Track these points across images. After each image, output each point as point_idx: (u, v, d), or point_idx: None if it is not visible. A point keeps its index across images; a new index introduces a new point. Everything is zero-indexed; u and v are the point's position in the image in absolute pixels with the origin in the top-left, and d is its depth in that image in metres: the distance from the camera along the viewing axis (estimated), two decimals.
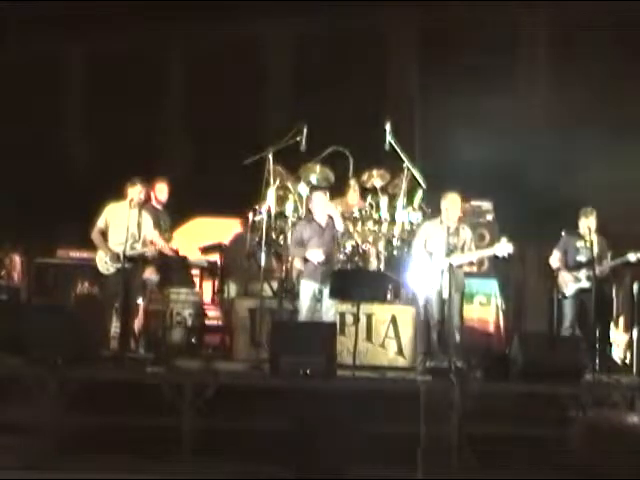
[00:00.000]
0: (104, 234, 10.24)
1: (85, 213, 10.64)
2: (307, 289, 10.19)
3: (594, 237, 10.46)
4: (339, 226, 10.35)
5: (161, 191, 11.26)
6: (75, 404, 8.89)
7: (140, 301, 10.86)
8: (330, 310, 10.14)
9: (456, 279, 10.09)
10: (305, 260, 10.27)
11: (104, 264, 10.20)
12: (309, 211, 10.74)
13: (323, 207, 10.36)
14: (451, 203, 10.30)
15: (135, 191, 10.18)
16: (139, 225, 10.23)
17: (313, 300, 10.14)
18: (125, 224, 10.09)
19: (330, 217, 10.38)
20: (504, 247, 10.07)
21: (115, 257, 10.10)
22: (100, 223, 10.25)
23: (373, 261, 11.10)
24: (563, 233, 10.72)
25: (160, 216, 11.03)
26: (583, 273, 10.51)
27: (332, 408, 8.43)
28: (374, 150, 11.43)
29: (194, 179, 13.92)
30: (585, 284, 10.48)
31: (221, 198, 12.64)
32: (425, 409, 8.86)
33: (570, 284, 10.54)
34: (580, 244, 10.58)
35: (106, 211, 10.28)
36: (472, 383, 9.17)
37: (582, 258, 10.55)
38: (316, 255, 10.16)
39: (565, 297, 10.61)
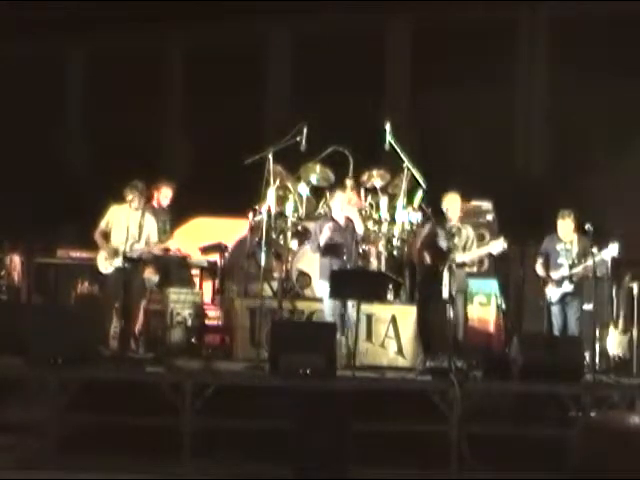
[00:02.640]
0: (106, 235, 10.29)
1: (85, 213, 10.66)
2: (325, 290, 10.18)
3: (574, 238, 10.43)
4: (359, 229, 10.35)
5: (166, 196, 11.32)
6: (75, 404, 8.90)
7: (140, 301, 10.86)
8: (354, 309, 10.05)
9: (458, 279, 10.11)
10: (326, 257, 10.25)
11: (104, 262, 10.24)
12: (329, 209, 10.87)
13: (341, 207, 10.41)
14: (451, 203, 10.35)
15: (136, 194, 10.21)
16: (140, 226, 10.27)
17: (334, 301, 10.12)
18: (127, 226, 10.16)
19: (349, 219, 10.39)
20: (498, 245, 10.09)
21: (113, 252, 10.15)
22: (102, 224, 10.33)
23: (373, 261, 11.10)
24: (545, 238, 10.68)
25: (159, 217, 11.03)
26: (564, 277, 10.42)
27: (332, 408, 8.43)
28: (374, 150, 11.43)
29: (194, 179, 13.92)
30: (568, 288, 10.43)
31: (221, 198, 12.64)
32: (425, 409, 8.86)
33: (554, 290, 10.50)
34: (560, 247, 10.52)
35: (109, 213, 10.37)
36: (472, 383, 9.18)
37: (563, 261, 10.47)
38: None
39: (552, 304, 10.53)
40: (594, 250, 9.96)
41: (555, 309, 10.49)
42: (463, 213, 10.57)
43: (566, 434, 8.18)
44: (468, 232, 10.37)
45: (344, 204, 10.53)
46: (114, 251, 10.15)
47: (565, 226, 10.43)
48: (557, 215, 10.49)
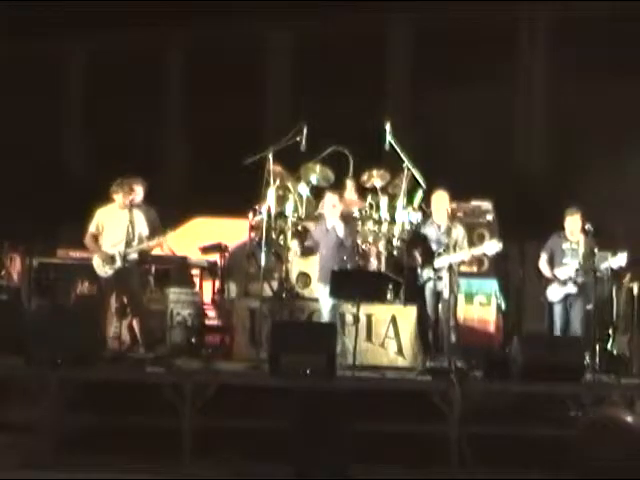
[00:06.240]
0: (97, 238, 10.29)
1: (85, 213, 10.66)
2: (322, 291, 10.26)
3: (581, 238, 10.37)
4: (340, 232, 10.29)
5: (136, 193, 11.15)
6: (75, 404, 8.90)
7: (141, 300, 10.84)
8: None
9: (449, 279, 10.08)
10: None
11: (102, 267, 10.25)
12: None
13: (329, 211, 10.40)
14: (438, 201, 10.35)
15: (121, 192, 10.24)
16: (132, 224, 10.29)
17: (332, 302, 10.14)
18: (117, 226, 10.21)
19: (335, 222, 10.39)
20: (492, 246, 10.10)
21: (109, 259, 10.17)
22: (92, 228, 10.35)
23: (373, 261, 11.09)
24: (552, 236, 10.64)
25: (147, 214, 10.91)
26: (569, 277, 10.34)
27: (332, 408, 8.43)
28: (374, 150, 11.43)
29: (194, 179, 13.93)
30: (572, 289, 10.36)
31: (221, 198, 12.64)
32: (425, 409, 8.87)
33: (557, 289, 10.44)
34: (566, 246, 10.43)
35: (97, 215, 10.38)
36: (472, 383, 9.18)
37: (568, 260, 10.39)
38: None
39: (554, 303, 10.46)
40: (608, 257, 9.97)
41: (557, 308, 10.45)
42: (463, 213, 10.56)
43: (566, 434, 8.18)
44: (458, 231, 10.31)
45: (329, 208, 10.46)
46: (110, 257, 10.17)
47: (573, 223, 10.32)
48: (565, 212, 10.44)
